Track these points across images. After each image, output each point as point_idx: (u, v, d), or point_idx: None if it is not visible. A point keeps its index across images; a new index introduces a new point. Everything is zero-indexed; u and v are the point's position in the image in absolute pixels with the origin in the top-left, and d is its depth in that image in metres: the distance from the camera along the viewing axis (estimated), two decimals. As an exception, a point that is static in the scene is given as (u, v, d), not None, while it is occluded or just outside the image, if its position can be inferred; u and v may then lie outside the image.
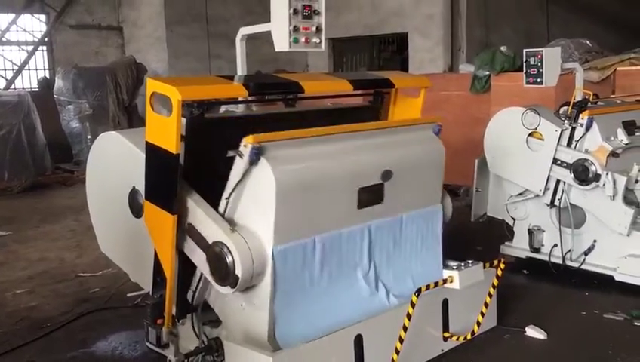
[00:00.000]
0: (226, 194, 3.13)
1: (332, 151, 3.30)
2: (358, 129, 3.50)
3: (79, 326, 4.40)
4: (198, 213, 3.15)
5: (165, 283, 3.35)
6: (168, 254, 3.19)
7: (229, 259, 3.01)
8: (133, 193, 3.46)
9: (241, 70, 3.74)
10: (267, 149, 3.02)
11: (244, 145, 2.98)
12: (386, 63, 12.29)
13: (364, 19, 11.45)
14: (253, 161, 2.99)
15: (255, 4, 11.73)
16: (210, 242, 3.10)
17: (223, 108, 4.20)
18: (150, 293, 3.57)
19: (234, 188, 3.09)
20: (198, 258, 3.18)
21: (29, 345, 4.12)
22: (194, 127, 3.19)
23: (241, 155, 3.00)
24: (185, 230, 3.19)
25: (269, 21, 3.52)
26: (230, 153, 3.03)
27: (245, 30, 3.70)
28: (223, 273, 3.04)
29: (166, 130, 3.05)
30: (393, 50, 12.56)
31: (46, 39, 12.29)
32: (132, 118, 10.99)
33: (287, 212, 3.07)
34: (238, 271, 2.99)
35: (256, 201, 3.09)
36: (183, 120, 3.09)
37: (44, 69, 12.41)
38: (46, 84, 11.53)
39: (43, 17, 12.28)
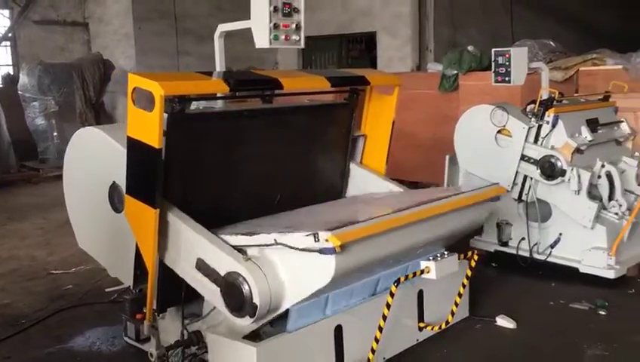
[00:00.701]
0: (278, 239, 2.99)
1: (392, 238, 3.22)
2: (430, 215, 3.42)
3: (55, 323, 4.38)
4: (208, 247, 3.12)
5: (145, 278, 3.38)
6: (150, 248, 3.21)
7: (245, 288, 2.97)
8: (114, 188, 3.47)
9: (219, 67, 3.79)
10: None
11: (326, 240, 2.80)
12: (355, 62, 12.39)
13: (335, 18, 11.54)
14: (323, 253, 2.86)
15: (225, 1, 11.73)
16: (222, 274, 3.06)
17: (194, 105, 4.24)
18: (131, 287, 3.58)
19: (289, 247, 2.96)
20: (211, 293, 3.15)
21: (3, 342, 4.08)
22: (175, 122, 3.22)
23: (317, 240, 2.84)
24: (195, 266, 3.18)
25: (240, 18, 3.59)
26: (307, 234, 2.87)
27: (224, 27, 3.74)
28: (240, 303, 2.99)
29: (148, 125, 3.07)
30: (361, 49, 12.69)
31: (10, 34, 12.05)
32: (99, 115, 10.89)
33: (322, 290, 3.05)
34: (256, 300, 2.94)
35: (301, 274, 3.00)
36: (165, 115, 3.12)
37: (8, 65, 12.17)
38: (10, 80, 11.32)
39: (6, 12, 12.04)
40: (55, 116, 10.56)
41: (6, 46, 12.12)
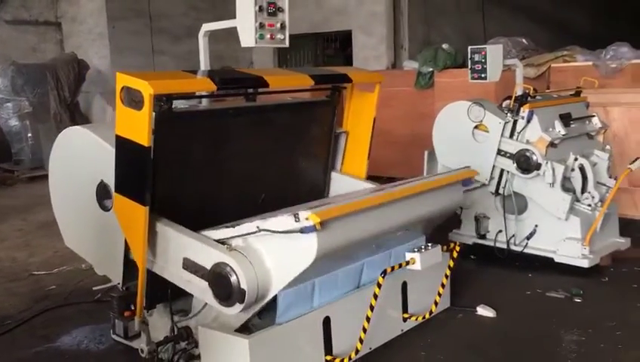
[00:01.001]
0: (260, 226, 3.08)
1: (370, 217, 3.34)
2: (405, 195, 3.55)
3: (40, 323, 4.37)
4: (192, 244, 3.20)
5: (133, 275, 3.41)
6: (140, 245, 3.25)
7: (232, 277, 3.03)
8: (101, 186, 3.50)
9: (204, 65, 3.83)
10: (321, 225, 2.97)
11: (306, 218, 2.91)
12: (330, 60, 12.49)
13: (308, 16, 11.62)
14: (305, 232, 2.96)
15: (199, 0, 11.72)
16: (209, 267, 3.13)
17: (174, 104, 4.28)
18: (120, 284, 3.61)
19: (271, 231, 3.04)
20: (200, 289, 3.20)
21: (-11, 343, 4.08)
22: (163, 120, 3.26)
23: (297, 220, 2.94)
24: (182, 266, 3.24)
25: (215, 18, 3.66)
26: (288, 215, 2.97)
27: (208, 26, 3.78)
28: (228, 291, 3.05)
29: (138, 124, 3.11)
30: (336, 47, 12.79)
31: (-20, 35, 11.88)
32: (74, 116, 10.79)
33: (306, 272, 3.13)
34: (244, 285, 3.01)
35: (285, 256, 3.10)
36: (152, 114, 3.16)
37: (-21, 66, 11.98)
38: (-19, 81, 11.14)
39: (-24, 12, 11.87)
40: (29, 117, 10.45)
41: (-23, 46, 11.94)
